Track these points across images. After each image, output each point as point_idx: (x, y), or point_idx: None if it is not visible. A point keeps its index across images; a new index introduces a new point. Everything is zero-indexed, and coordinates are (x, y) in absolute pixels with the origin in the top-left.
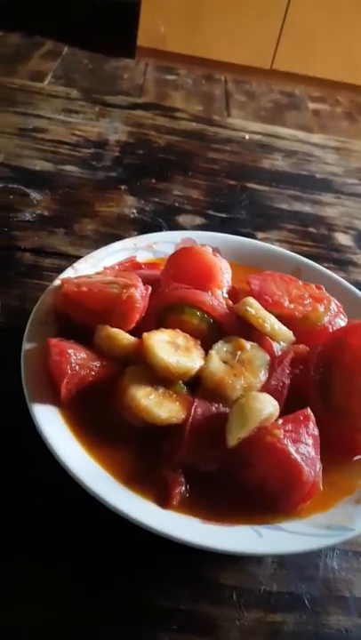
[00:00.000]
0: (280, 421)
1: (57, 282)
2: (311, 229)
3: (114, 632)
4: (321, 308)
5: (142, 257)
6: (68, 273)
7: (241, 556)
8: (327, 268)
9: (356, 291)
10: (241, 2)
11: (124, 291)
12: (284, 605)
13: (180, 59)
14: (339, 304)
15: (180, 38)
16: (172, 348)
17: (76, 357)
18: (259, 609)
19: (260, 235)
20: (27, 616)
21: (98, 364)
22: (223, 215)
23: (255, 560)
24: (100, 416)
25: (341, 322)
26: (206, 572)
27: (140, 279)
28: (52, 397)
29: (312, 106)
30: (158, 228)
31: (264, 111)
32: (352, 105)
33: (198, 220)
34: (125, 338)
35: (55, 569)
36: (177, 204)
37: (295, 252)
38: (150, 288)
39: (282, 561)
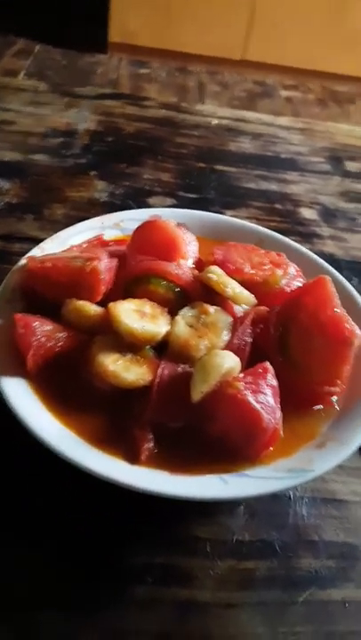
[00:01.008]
0: (241, 375)
1: (23, 261)
2: (278, 206)
3: (91, 589)
4: (280, 272)
5: (110, 235)
6: (34, 252)
7: (212, 508)
8: (293, 240)
9: (314, 255)
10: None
11: (88, 263)
12: (256, 553)
13: (153, 52)
14: (298, 268)
15: (151, 32)
16: (138, 315)
17: (41, 329)
18: (232, 558)
19: (229, 213)
20: (5, 577)
21: (64, 334)
22: (193, 196)
23: (227, 511)
24: (69, 385)
25: (299, 284)
26: (180, 527)
27: (105, 252)
28: (21, 371)
29: (284, 93)
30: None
31: (238, 100)
32: (324, 91)
33: (169, 201)
34: (92, 309)
35: (35, 532)
36: (147, 187)
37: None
38: (115, 260)
39: (253, 511)
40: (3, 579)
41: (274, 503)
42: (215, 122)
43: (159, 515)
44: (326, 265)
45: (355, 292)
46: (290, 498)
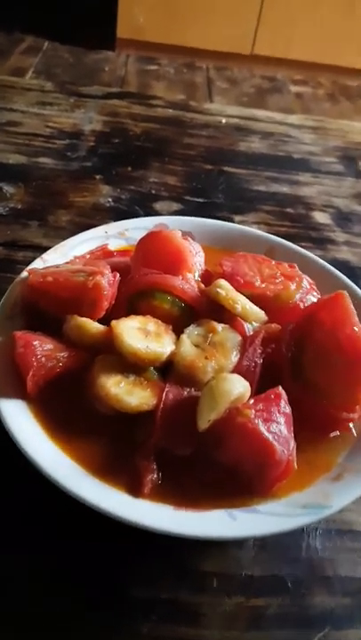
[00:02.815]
0: (251, 401)
1: (24, 274)
2: (289, 210)
3: (92, 624)
4: (293, 286)
5: (114, 244)
6: (37, 264)
7: (217, 541)
8: (305, 247)
9: (329, 266)
10: None
11: (91, 278)
12: (267, 589)
13: (161, 48)
14: (311, 281)
15: (159, 28)
16: (141, 334)
17: (42, 349)
18: (241, 594)
19: (237, 218)
20: (6, 608)
21: (66, 354)
22: (200, 200)
23: (236, 544)
24: (70, 408)
25: (314, 298)
26: (187, 560)
27: (107, 266)
28: (20, 391)
29: (294, 89)
30: (135, 216)
31: (246, 97)
32: (334, 86)
33: (175, 206)
34: (94, 327)
35: (34, 563)
36: (153, 191)
37: (273, 233)
38: (119, 275)
39: (263, 544)
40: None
41: (286, 535)
42: (224, 121)
43: (164, 546)
44: (342, 276)
45: None
46: (303, 530)
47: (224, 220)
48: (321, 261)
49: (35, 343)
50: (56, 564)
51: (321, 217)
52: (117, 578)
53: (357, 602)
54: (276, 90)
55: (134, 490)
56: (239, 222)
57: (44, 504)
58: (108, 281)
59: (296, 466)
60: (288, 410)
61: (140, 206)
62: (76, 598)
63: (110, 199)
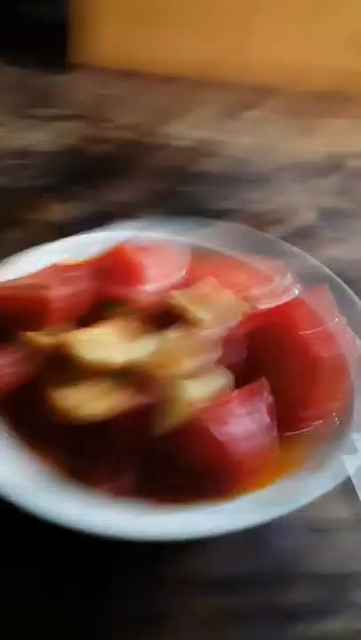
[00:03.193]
0: (207, 405)
1: None
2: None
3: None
4: (264, 288)
5: (66, 260)
6: None
7: (190, 543)
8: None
9: (312, 259)
10: (172, 9)
11: (39, 292)
12: (243, 587)
13: (114, 73)
14: (292, 276)
15: (112, 52)
16: (95, 345)
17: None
18: (212, 595)
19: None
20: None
21: (19, 369)
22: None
23: (208, 545)
24: (28, 420)
25: (291, 297)
26: (156, 564)
27: (58, 279)
28: None
29: (246, 114)
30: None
31: (203, 120)
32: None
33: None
34: (45, 340)
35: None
36: (107, 209)
37: None
38: (71, 288)
39: (235, 543)
40: None
41: (256, 534)
42: (179, 142)
43: (132, 551)
44: (325, 269)
45: (356, 298)
46: (272, 528)
47: None
48: (304, 254)
49: None
50: (30, 568)
51: (306, 215)
52: (92, 584)
53: (332, 595)
54: (230, 115)
55: (95, 498)
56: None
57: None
58: (56, 294)
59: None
60: (245, 411)
61: (94, 225)
62: (59, 602)
63: (62, 217)
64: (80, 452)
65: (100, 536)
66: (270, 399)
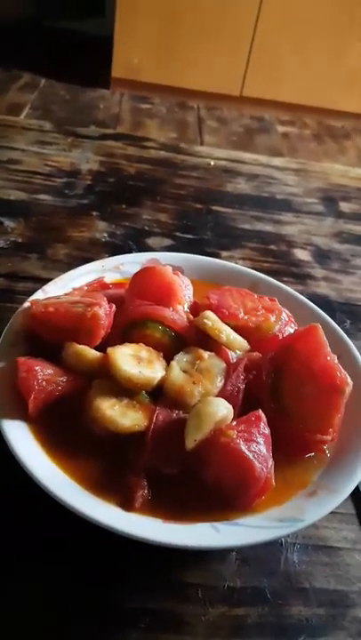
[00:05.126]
0: (234, 423)
1: (26, 304)
2: (272, 247)
3: (82, 632)
4: (272, 318)
5: (110, 278)
6: (38, 295)
7: (204, 554)
8: (287, 281)
9: (306, 301)
10: (211, 32)
11: (89, 309)
12: (248, 599)
13: (154, 88)
14: (289, 314)
15: (153, 68)
16: (134, 361)
17: (42, 374)
18: (223, 604)
19: (224, 254)
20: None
21: (65, 379)
22: (190, 236)
23: (220, 558)
24: (68, 429)
25: (291, 330)
26: (173, 572)
27: (104, 298)
28: (22, 414)
29: (281, 129)
30: (128, 251)
31: (235, 136)
32: (320, 127)
33: (167, 242)
34: (91, 353)
35: (22, 577)
36: (146, 228)
37: (257, 269)
38: (114, 306)
39: (245, 557)
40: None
41: (265, 549)
42: (212, 163)
43: (150, 559)
44: (318, 310)
45: (346, 338)
46: (281, 544)
47: (212, 255)
48: (299, 296)
49: (36, 368)
50: (44, 574)
51: (302, 254)
52: (107, 590)
53: (331, 612)
54: (263, 130)
55: (126, 504)
56: (226, 258)
57: (40, 517)
58: (104, 311)
59: (274, 483)
60: (267, 431)
61: (134, 241)
62: (71, 605)
63: (106, 234)
64: (114, 463)
65: (133, 538)
66: (267, 430)
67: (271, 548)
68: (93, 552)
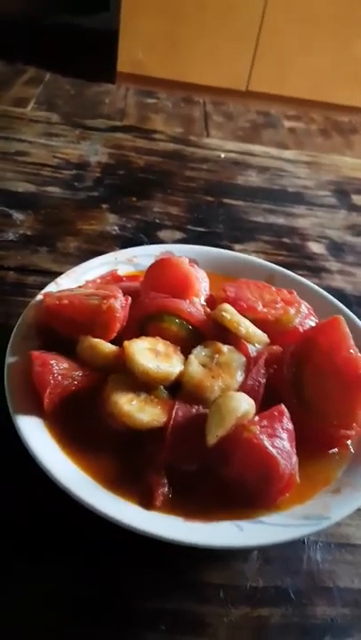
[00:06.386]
0: (256, 418)
1: (39, 297)
2: (285, 240)
3: (102, 634)
4: (292, 311)
5: (123, 270)
6: (51, 288)
7: (226, 553)
8: (301, 275)
9: (325, 293)
10: (216, 27)
11: (105, 301)
12: (271, 599)
13: (160, 82)
14: (309, 306)
15: (158, 63)
16: (152, 355)
17: (58, 368)
18: (245, 604)
19: (237, 247)
20: (12, 620)
21: (80, 373)
22: (202, 229)
23: (241, 557)
24: (83, 424)
25: (312, 323)
26: (193, 572)
27: (120, 290)
28: (36, 408)
29: (288, 124)
30: (139, 244)
31: (241, 131)
32: (326, 122)
33: (178, 235)
34: (107, 347)
35: (40, 574)
36: (157, 221)
37: (271, 262)
38: (130, 298)
39: (267, 557)
40: (4, 620)
41: (288, 548)
42: (223, 155)
43: (171, 558)
44: (338, 303)
45: None
46: (304, 543)
47: (224, 248)
48: (318, 288)
49: (51, 362)
50: (64, 574)
51: (316, 247)
52: (126, 590)
53: (356, 612)
54: (270, 125)
55: (146, 502)
56: (239, 251)
57: (56, 515)
58: (120, 304)
59: (298, 480)
60: (290, 426)
61: (145, 234)
62: (84, 606)
63: (116, 227)
64: (131, 460)
65: (155, 538)
66: (291, 425)
67: (294, 547)
68: (109, 551)
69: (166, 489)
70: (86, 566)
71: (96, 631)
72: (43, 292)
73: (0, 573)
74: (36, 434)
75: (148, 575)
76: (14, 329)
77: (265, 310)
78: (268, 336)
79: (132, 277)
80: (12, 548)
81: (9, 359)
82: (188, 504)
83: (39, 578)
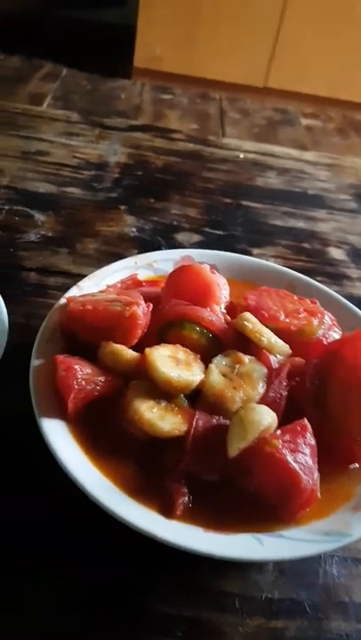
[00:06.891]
0: (278, 432)
1: (62, 300)
2: (305, 245)
3: (117, 638)
4: (315, 322)
5: (143, 275)
6: (73, 292)
7: (243, 564)
8: (321, 281)
9: (349, 304)
10: (234, 22)
11: (127, 308)
12: (286, 612)
13: (176, 78)
14: (332, 317)
15: (175, 58)
16: (173, 363)
17: (82, 373)
18: (261, 615)
19: (255, 251)
20: (27, 623)
21: (102, 378)
22: (220, 232)
23: (257, 568)
24: (105, 429)
25: (335, 334)
26: (209, 581)
27: (141, 297)
28: (60, 411)
29: (305, 122)
30: (157, 246)
31: (258, 128)
32: (344, 120)
33: (196, 238)
34: (128, 353)
35: (58, 579)
36: (175, 223)
37: (290, 267)
38: (151, 305)
39: (283, 568)
40: (14, 624)
41: (304, 561)
42: (242, 156)
43: (186, 565)
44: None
45: None
46: (320, 557)
47: (243, 252)
48: (341, 298)
49: (75, 367)
50: (71, 580)
51: (337, 253)
52: (143, 596)
53: None
54: (287, 122)
55: (167, 511)
56: (257, 255)
57: (76, 519)
58: (142, 310)
59: (319, 495)
60: (313, 441)
61: (163, 237)
62: (99, 611)
63: (134, 229)
64: (151, 467)
65: (176, 547)
66: (313, 440)
67: (310, 561)
68: (128, 557)
69: (187, 498)
70: (102, 570)
71: (111, 636)
72: (66, 295)
73: (8, 575)
74: (60, 437)
75: (166, 583)
76: (39, 331)
77: (287, 320)
78: (291, 347)
79: (151, 282)
80: (19, 550)
81: (34, 362)
82: (208, 514)
83: (45, 581)
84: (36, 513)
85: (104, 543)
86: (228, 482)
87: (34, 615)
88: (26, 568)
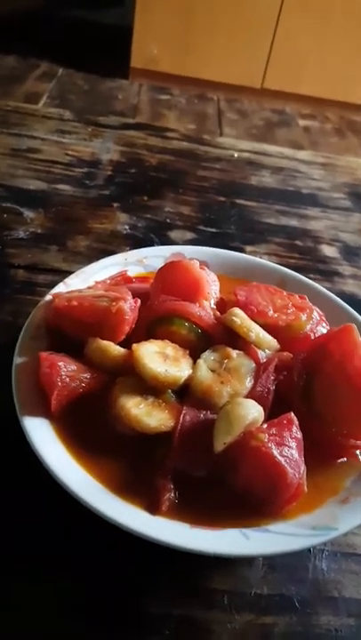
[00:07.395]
0: (265, 426)
1: (48, 297)
2: (298, 242)
3: (106, 637)
4: (303, 317)
5: (133, 271)
6: (60, 288)
7: (231, 560)
8: (313, 279)
9: (338, 299)
10: (231, 23)
11: (114, 304)
12: (275, 607)
13: (173, 79)
14: (321, 313)
15: (172, 59)
16: (160, 358)
17: (66, 370)
18: (250, 612)
19: (248, 248)
20: (27, 623)
21: (88, 375)
22: (213, 230)
23: (246, 564)
24: (90, 427)
25: (323, 329)
26: (198, 578)
27: (129, 292)
28: (43, 409)
29: (302, 123)
30: (150, 244)
31: (255, 129)
32: (341, 121)
33: (189, 235)
34: (115, 349)
35: (58, 579)
36: (168, 220)
37: (283, 265)
38: (139, 301)
39: (272, 564)
40: (14, 624)
41: (293, 556)
42: (236, 155)
43: (176, 564)
44: (350, 310)
45: None
46: (310, 551)
47: (236, 250)
48: (330, 294)
49: (59, 364)
50: (70, 579)
51: (329, 250)
52: (131, 593)
53: (360, 623)
54: (284, 123)
55: (152, 507)
56: (250, 253)
57: (64, 519)
58: (129, 306)
59: (306, 489)
60: (299, 435)
61: (156, 234)
62: (89, 610)
63: (127, 227)
64: (137, 464)
65: (161, 544)
66: (300, 434)
67: (299, 555)
68: (115, 556)
69: (173, 494)
70: (91, 570)
71: (100, 635)
72: (52, 292)
73: (7, 575)
74: (43, 436)
75: (155, 581)
76: (23, 329)
77: (276, 315)
78: (279, 342)
79: (142, 279)
80: (19, 550)
81: (17, 359)
82: (195, 510)
83: (44, 581)
84: (36, 513)
85: (104, 543)
86: (216, 477)
87: (34, 615)
88: (26, 568)
